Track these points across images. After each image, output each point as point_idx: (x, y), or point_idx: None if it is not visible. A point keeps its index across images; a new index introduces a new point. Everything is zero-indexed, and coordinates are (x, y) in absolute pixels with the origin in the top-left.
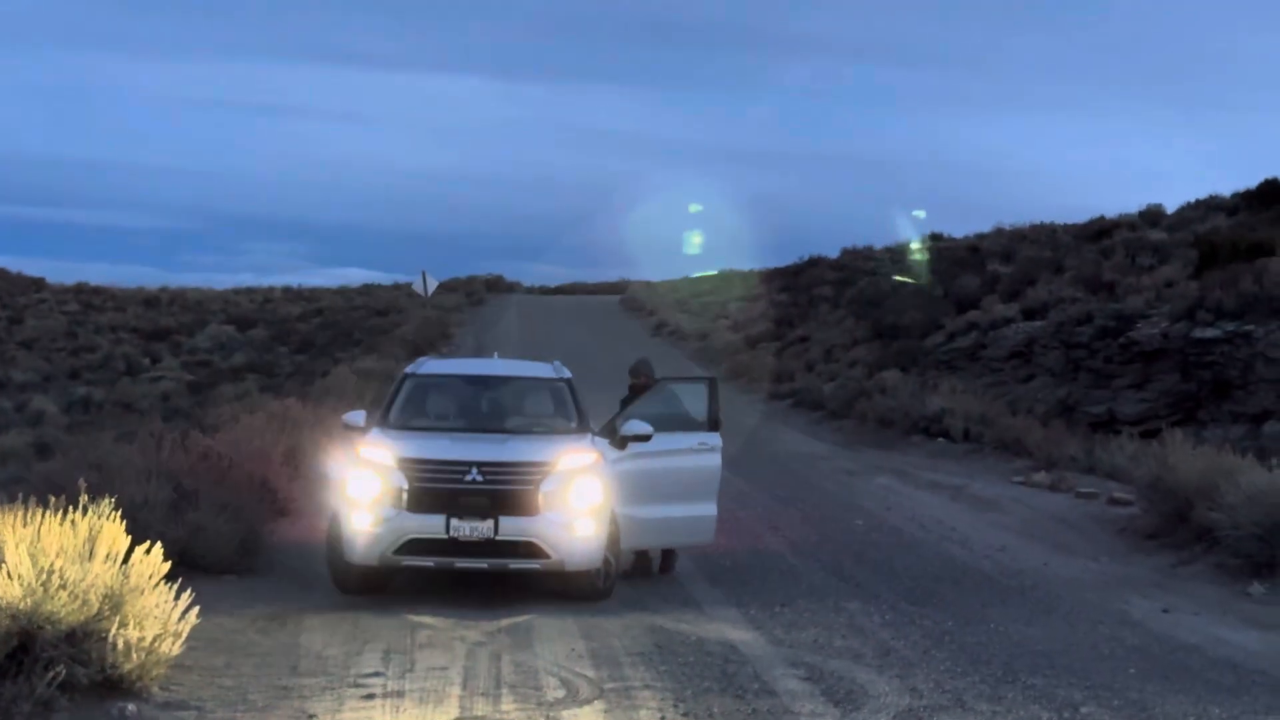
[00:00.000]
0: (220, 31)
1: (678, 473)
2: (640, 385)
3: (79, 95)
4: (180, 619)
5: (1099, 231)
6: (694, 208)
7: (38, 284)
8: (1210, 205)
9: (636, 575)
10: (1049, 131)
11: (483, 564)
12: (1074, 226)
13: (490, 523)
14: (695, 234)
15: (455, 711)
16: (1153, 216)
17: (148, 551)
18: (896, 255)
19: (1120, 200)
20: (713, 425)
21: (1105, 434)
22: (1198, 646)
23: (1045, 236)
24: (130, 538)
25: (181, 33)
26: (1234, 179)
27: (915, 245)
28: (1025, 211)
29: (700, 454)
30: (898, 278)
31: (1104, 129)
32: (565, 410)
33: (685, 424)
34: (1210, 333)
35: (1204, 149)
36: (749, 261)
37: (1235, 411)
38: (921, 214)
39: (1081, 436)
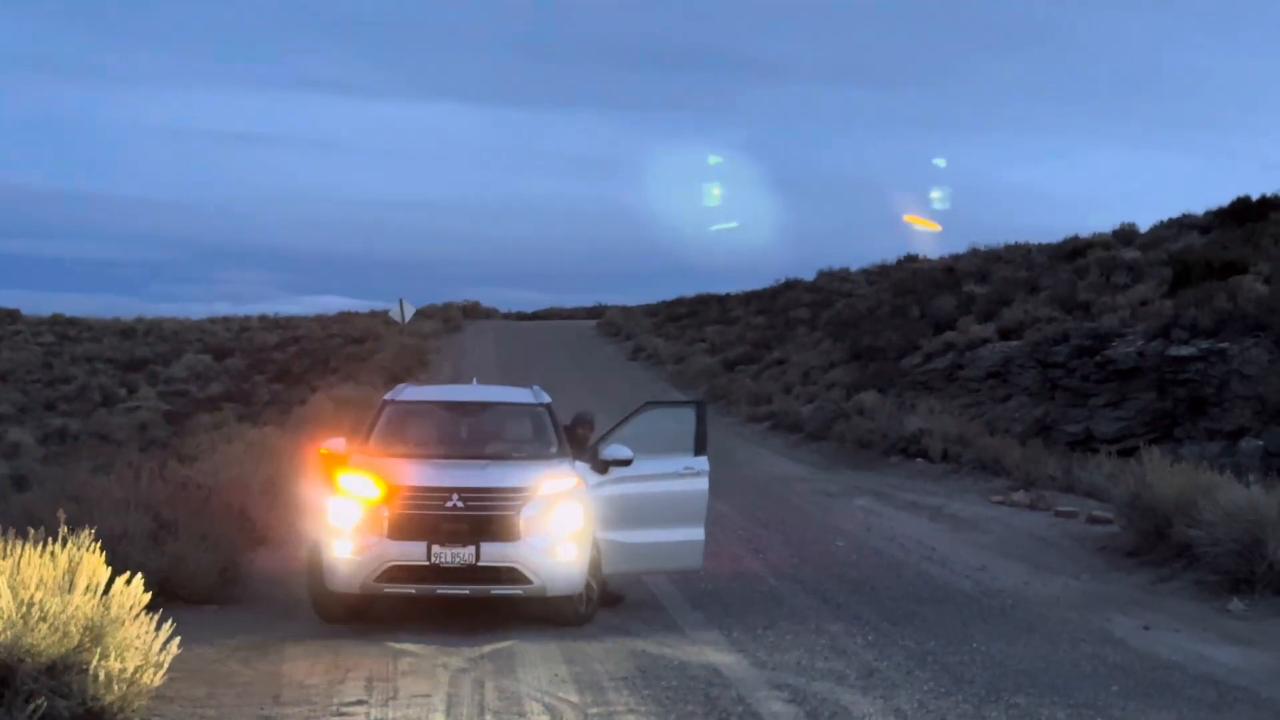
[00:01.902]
0: (194, 61)
1: (663, 497)
2: (581, 438)
3: (52, 126)
4: (161, 650)
5: (1073, 251)
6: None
7: (12, 315)
8: (1183, 224)
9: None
10: (1021, 152)
11: (464, 590)
12: (1048, 246)
13: (472, 549)
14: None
15: None
16: (1126, 235)
17: (128, 582)
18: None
19: (1094, 220)
20: (699, 449)
21: (1083, 452)
22: (1179, 664)
23: (1020, 257)
24: (110, 569)
25: (155, 63)
26: (1206, 197)
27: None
28: (999, 232)
29: (687, 478)
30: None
31: (1076, 149)
32: (545, 435)
33: (671, 448)
34: (1185, 351)
35: (1176, 168)
36: (727, 285)
37: (1211, 429)
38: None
39: (1059, 455)
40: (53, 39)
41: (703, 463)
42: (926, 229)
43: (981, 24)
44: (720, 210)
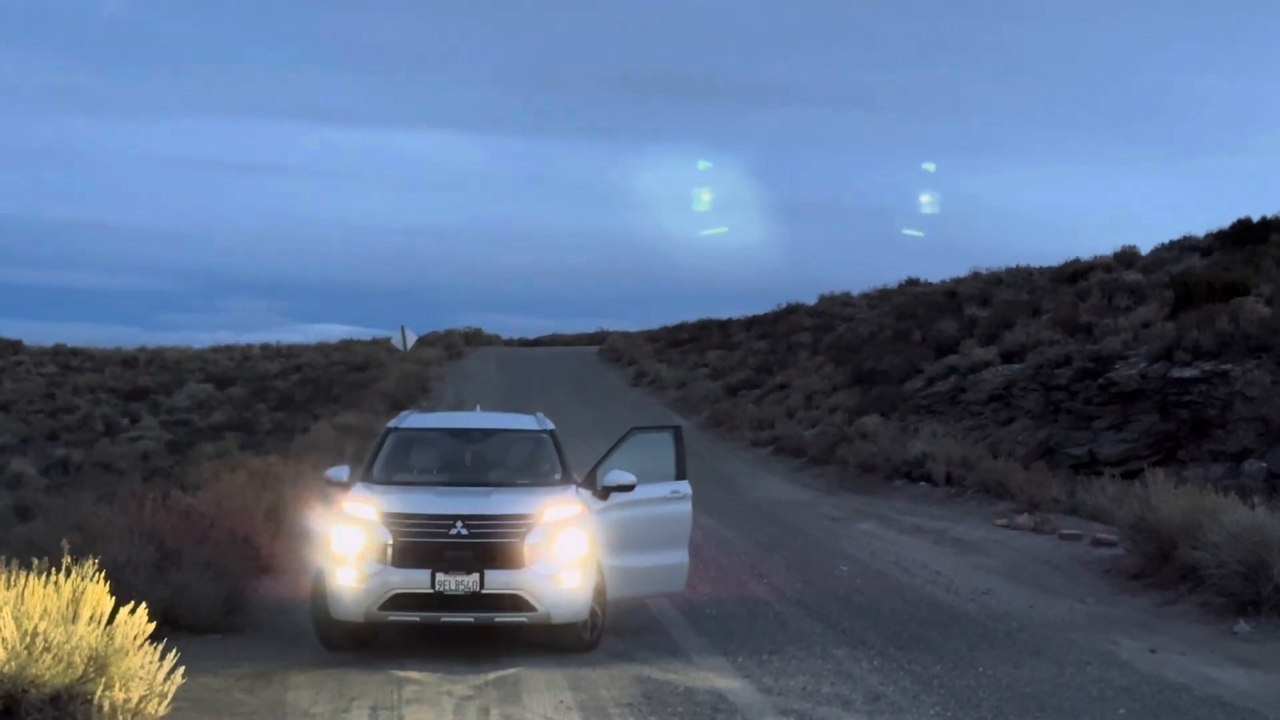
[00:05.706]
0: (195, 91)
1: (653, 521)
2: None
3: (54, 157)
4: (166, 679)
5: (1075, 274)
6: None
7: (15, 346)
8: (1184, 246)
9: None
10: (1022, 176)
11: (469, 618)
12: (1050, 269)
13: (476, 576)
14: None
15: None
16: (1128, 258)
17: (132, 612)
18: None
19: (1095, 242)
20: (680, 473)
21: (1087, 475)
22: (1186, 686)
23: (1021, 280)
24: (114, 598)
25: (156, 93)
26: (1207, 219)
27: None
28: (1001, 255)
29: (673, 502)
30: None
31: (1076, 172)
32: (549, 462)
33: (656, 473)
34: (1188, 372)
35: (1177, 190)
36: (729, 310)
37: (1215, 450)
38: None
39: (1063, 478)
40: (55, 70)
41: (686, 487)
42: (914, 235)
43: (983, 50)
44: (716, 226)
